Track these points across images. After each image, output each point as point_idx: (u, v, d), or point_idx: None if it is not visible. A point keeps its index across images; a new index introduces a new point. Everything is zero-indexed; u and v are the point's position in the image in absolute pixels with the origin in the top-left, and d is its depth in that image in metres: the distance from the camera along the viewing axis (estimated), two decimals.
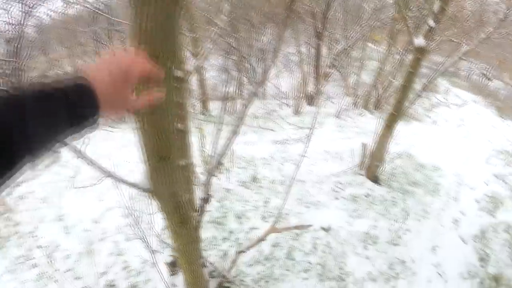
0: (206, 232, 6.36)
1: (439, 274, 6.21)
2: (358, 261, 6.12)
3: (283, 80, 17.50)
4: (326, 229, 6.75)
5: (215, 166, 3.28)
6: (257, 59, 18.68)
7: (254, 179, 8.55)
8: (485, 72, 23.05)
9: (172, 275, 5.34)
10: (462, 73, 24.10)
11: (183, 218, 3.00)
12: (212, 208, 7.15)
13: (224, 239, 6.45)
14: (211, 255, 5.96)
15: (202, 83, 14.86)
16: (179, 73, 3.13)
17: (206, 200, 3.69)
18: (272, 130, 12.07)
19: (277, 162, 9.73)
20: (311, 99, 14.95)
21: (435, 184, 9.10)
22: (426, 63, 10.96)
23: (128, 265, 5.85)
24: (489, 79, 23.19)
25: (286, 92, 15.57)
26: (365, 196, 7.85)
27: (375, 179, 8.42)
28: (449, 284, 6.07)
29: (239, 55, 17.58)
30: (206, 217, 6.51)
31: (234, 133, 3.23)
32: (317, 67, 16.32)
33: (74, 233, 6.70)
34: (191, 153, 3.68)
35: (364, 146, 8.51)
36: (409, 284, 5.83)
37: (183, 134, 3.80)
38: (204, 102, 15.14)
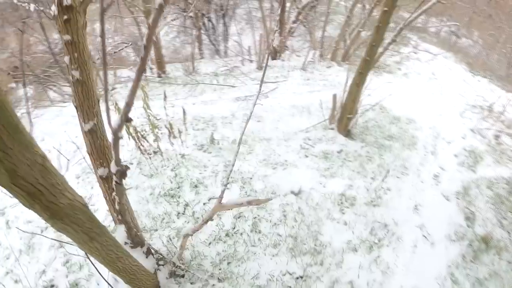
0: (158, 208, 5.41)
1: (425, 236, 5.38)
2: (335, 229, 5.18)
3: (245, 36, 16.20)
4: (296, 193, 5.76)
5: (120, 124, 2.14)
6: (216, 16, 17.35)
7: (213, 140, 7.41)
8: (454, 30, 22.45)
9: None
10: (431, 30, 23.29)
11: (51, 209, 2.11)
12: (165, 178, 6.07)
13: (179, 214, 5.36)
14: (162, 236, 4.92)
15: (156, 44, 13.41)
16: None
17: (121, 173, 2.55)
18: (233, 86, 10.90)
19: (239, 120, 8.59)
20: (275, 54, 13.75)
21: (411, 137, 8.20)
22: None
23: (69, 258, 4.71)
24: (458, 36, 22.60)
25: (249, 47, 14.26)
26: (338, 152, 6.88)
27: (348, 133, 7.44)
28: (437, 247, 5.25)
29: (197, 12, 16.26)
30: (157, 190, 5.71)
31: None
32: (281, 21, 15.09)
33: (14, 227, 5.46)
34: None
35: (334, 97, 7.46)
36: (394, 251, 4.95)
37: None
38: (159, 64, 13.74)
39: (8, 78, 14.78)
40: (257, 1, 15.16)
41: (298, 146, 7.12)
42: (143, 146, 6.70)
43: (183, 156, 6.85)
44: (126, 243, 3.65)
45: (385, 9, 5.95)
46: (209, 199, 5.61)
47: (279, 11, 14.93)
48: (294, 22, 15.94)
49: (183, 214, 5.33)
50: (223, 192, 3.61)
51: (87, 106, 3.15)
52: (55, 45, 15.35)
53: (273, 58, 13.72)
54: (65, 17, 2.67)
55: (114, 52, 16.57)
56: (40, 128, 9.44)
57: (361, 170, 6.49)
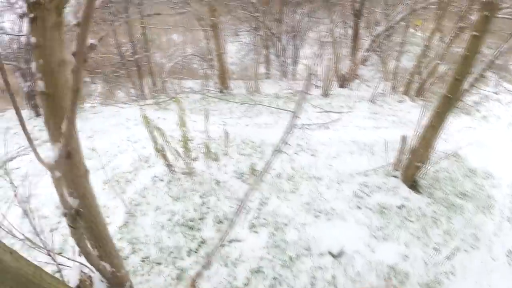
0: (170, 238, 4.74)
1: None
2: None
3: (315, 60, 15.13)
4: (335, 255, 4.54)
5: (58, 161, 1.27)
6: (287, 37, 16.45)
7: (254, 171, 6.41)
8: None
9: None
10: None
11: None
12: (190, 205, 5.38)
13: (190, 251, 4.53)
14: (163, 273, 4.11)
15: (221, 59, 12.73)
16: None
17: (72, 217, 2.27)
18: (292, 111, 9.81)
19: (291, 151, 7.53)
20: (343, 81, 12.56)
21: (487, 197, 6.60)
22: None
23: None
24: None
25: (315, 72, 13.16)
26: (398, 207, 5.55)
27: (413, 184, 6.08)
28: None
29: (267, 31, 15.49)
30: (176, 217, 5.11)
31: None
32: (354, 48, 13.95)
33: None
34: None
35: (403, 139, 6.14)
36: None
37: None
38: (222, 79, 13.03)
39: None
40: (330, 24, 14.03)
41: (351, 193, 5.90)
42: (171, 165, 6.15)
43: (217, 183, 6.08)
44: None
45: (475, 33, 4.63)
46: (230, 241, 4.61)
47: (352, 38, 13.83)
48: (367, 50, 14.71)
49: (195, 252, 4.53)
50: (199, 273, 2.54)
51: (53, 124, 2.34)
52: (125, 48, 15.53)
53: (341, 86, 12.54)
54: (31, 15, 2.06)
55: (176, 63, 16.13)
56: (92, 125, 9.39)
57: (422, 235, 5.11)
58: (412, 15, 12.53)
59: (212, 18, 11.78)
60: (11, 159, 8.21)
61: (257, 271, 4.25)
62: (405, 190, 5.94)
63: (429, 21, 12.05)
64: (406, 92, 11.24)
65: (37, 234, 3.04)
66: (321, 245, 4.71)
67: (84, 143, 8.64)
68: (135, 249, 4.51)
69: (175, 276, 4.11)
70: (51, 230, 4.88)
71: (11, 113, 11.83)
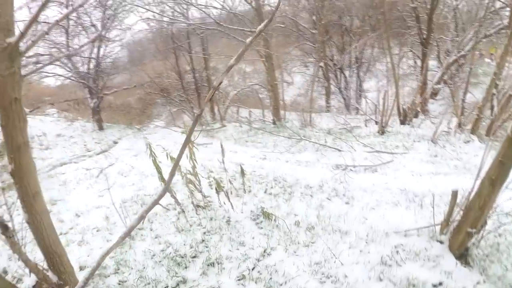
0: (154, 269, 4.48)
1: None
2: None
3: (380, 94, 13.77)
4: None
5: None
6: (350, 68, 15.30)
7: (268, 215, 5.53)
8: None
9: None
10: None
11: None
12: (189, 240, 5.09)
13: None
14: None
15: (274, 89, 11.97)
16: None
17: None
18: (339, 150, 8.67)
19: (323, 195, 6.42)
20: (405, 117, 11.07)
21: None
22: None
23: None
24: None
25: (375, 106, 11.80)
26: (434, 286, 4.16)
27: (462, 255, 4.60)
28: None
29: (327, 62, 14.48)
30: (170, 250, 4.88)
31: None
32: (422, 80, 12.45)
33: None
34: None
35: (454, 194, 4.70)
36: None
37: None
38: (275, 111, 12.23)
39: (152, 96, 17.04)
40: (396, 54, 12.65)
41: (378, 258, 4.61)
42: (175, 197, 5.82)
43: (228, 221, 5.62)
44: None
45: None
46: None
47: (420, 69, 12.37)
48: (437, 82, 13.09)
49: None
50: None
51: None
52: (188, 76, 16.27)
53: (402, 122, 11.07)
54: None
55: (239, 91, 15.68)
56: (141, 145, 9.75)
57: None
58: (483, 42, 10.89)
59: (264, 49, 11.12)
60: (61, 165, 8.73)
61: None
62: (450, 261, 4.50)
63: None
64: (474, 131, 9.44)
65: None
66: None
67: (129, 160, 8.58)
68: (118, 270, 4.41)
69: None
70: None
71: (78, 124, 12.64)
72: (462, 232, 4.46)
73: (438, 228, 4.99)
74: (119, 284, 4.14)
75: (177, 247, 4.85)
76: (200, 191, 6.14)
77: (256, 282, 4.22)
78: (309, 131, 10.79)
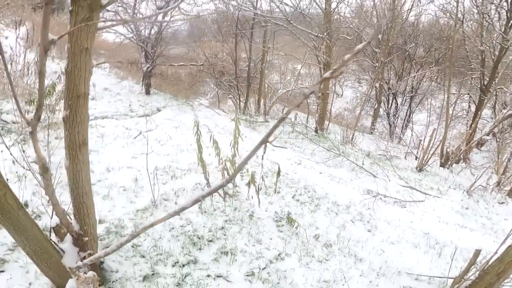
0: (168, 243, 4.45)
1: None
2: None
3: (425, 127, 13.53)
4: None
5: None
6: (404, 96, 15.06)
7: (291, 221, 5.60)
8: None
9: None
10: None
11: None
12: (210, 224, 5.03)
13: (176, 264, 4.15)
14: (134, 268, 3.93)
15: (324, 97, 11.97)
16: None
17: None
18: (374, 176, 8.66)
19: (348, 216, 6.49)
20: (446, 160, 10.89)
21: None
22: None
23: None
24: None
25: (419, 141, 11.62)
26: None
27: None
28: None
29: (383, 85, 14.31)
30: (188, 228, 4.82)
31: None
32: (471, 127, 12.15)
33: None
34: None
35: (476, 253, 4.71)
36: None
37: None
38: (320, 120, 12.24)
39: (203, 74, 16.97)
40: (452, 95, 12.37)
41: None
42: (208, 179, 5.89)
43: (251, 216, 5.56)
44: None
45: None
46: None
47: (473, 115, 12.07)
48: (487, 133, 12.73)
49: (180, 266, 4.10)
50: None
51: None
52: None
53: (442, 165, 10.89)
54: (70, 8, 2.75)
55: (289, 91, 15.69)
56: (186, 118, 9.79)
57: None
58: None
59: (325, 56, 11.11)
60: (102, 118, 8.70)
61: None
62: None
63: None
64: (511, 194, 9.21)
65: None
66: None
67: (168, 130, 8.74)
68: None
69: (144, 276, 3.81)
70: None
71: (127, 83, 12.61)
72: None
73: (450, 281, 4.99)
74: (133, 247, 4.16)
75: (196, 227, 4.81)
76: (232, 180, 6.20)
77: (263, 283, 4.26)
78: (349, 149, 10.78)
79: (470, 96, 16.33)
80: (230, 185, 6.17)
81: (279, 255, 4.90)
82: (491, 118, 13.53)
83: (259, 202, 5.90)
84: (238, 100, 15.76)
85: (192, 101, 13.23)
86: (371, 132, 14.64)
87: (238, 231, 5.07)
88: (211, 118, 11.30)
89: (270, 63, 18.93)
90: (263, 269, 4.49)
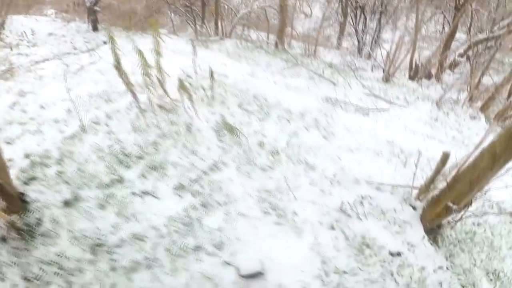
0: (93, 165, 3.91)
1: None
2: None
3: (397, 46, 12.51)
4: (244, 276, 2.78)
5: None
6: (372, 12, 13.78)
7: (231, 129, 4.61)
8: None
9: None
10: None
11: None
12: (140, 140, 4.34)
13: (100, 185, 3.65)
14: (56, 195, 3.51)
15: (283, 10, 10.70)
16: None
17: None
18: (334, 83, 7.66)
19: (302, 123, 5.55)
20: (416, 73, 9.94)
21: None
22: None
23: None
24: None
25: (387, 54, 10.55)
26: (391, 254, 3.38)
27: (433, 230, 3.81)
28: None
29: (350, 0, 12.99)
30: (117, 146, 4.21)
31: None
32: (445, 47, 11.18)
33: None
34: None
35: (444, 157, 3.78)
36: None
37: None
38: (280, 35, 11.01)
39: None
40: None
41: (338, 203, 3.82)
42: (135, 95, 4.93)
43: (189, 128, 4.70)
44: None
45: None
46: None
47: (447, 36, 11.07)
48: (460, 55, 11.79)
49: (105, 186, 3.61)
50: None
51: None
52: None
53: (411, 78, 9.97)
54: None
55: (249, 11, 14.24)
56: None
57: None
58: None
59: None
60: (44, 61, 8.02)
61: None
62: (417, 232, 3.71)
63: None
64: (483, 109, 8.34)
65: None
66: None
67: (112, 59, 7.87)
68: (60, 161, 3.85)
69: (64, 202, 3.36)
70: None
71: (74, 24, 11.88)
72: (441, 204, 3.64)
73: (415, 192, 4.14)
74: (57, 174, 3.66)
75: (125, 145, 4.16)
76: (164, 90, 5.18)
77: (193, 196, 3.63)
78: (310, 61, 9.67)
79: (445, 16, 15.23)
80: (166, 98, 5.20)
81: (214, 165, 4.11)
82: (467, 41, 12.52)
83: (196, 112, 4.95)
84: (195, 25, 14.41)
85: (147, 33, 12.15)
86: (338, 48, 13.48)
87: (173, 145, 4.32)
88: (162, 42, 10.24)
89: None
90: (194, 181, 3.81)
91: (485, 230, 4.40)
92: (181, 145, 4.32)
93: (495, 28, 11.10)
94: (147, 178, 3.73)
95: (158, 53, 4.75)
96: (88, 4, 11.12)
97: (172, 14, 16.93)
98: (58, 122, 4.79)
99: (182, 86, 4.82)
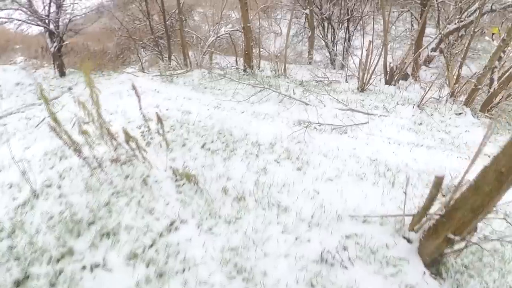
0: (44, 236, 3.44)
1: None
2: None
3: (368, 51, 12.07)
4: None
5: None
6: (340, 20, 13.39)
7: (189, 177, 4.09)
8: None
9: None
10: None
11: None
12: (93, 201, 3.86)
13: (50, 260, 3.17)
14: None
15: (246, 32, 10.25)
16: None
17: None
18: (306, 103, 7.14)
19: (272, 156, 5.05)
20: (391, 77, 9.45)
21: None
22: None
23: None
24: None
25: (359, 61, 10.06)
26: None
27: (435, 261, 3.17)
28: None
29: (312, 10, 12.58)
30: (66, 213, 3.72)
31: None
32: (417, 45, 10.78)
33: None
34: None
35: (437, 182, 3.14)
36: None
37: None
38: (247, 57, 10.52)
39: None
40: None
41: (318, 252, 3.21)
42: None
43: (145, 181, 4.18)
44: None
45: None
46: None
47: (417, 32, 10.65)
48: (433, 50, 11.39)
49: (56, 261, 3.14)
50: None
51: None
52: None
53: (388, 82, 9.48)
54: None
55: (219, 37, 13.88)
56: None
57: None
58: (487, 16, 9.23)
59: None
60: (7, 115, 7.96)
61: None
62: (416, 269, 3.08)
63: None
64: (468, 103, 7.78)
65: None
66: None
67: (74, 107, 7.61)
68: (12, 233, 3.46)
69: (15, 282, 2.93)
70: None
71: (42, 71, 11.61)
72: (440, 236, 3.04)
73: (408, 220, 3.53)
74: (8, 249, 3.31)
75: (75, 210, 3.70)
76: (113, 142, 4.63)
77: (147, 265, 3.10)
78: (280, 81, 9.15)
79: (412, 14, 14.94)
80: (122, 150, 4.67)
81: (171, 224, 3.57)
82: (439, 34, 12.16)
83: (149, 162, 4.44)
84: (162, 59, 14.11)
85: (117, 72, 11.77)
86: (309, 63, 13.02)
87: (127, 203, 3.81)
88: (127, 82, 9.87)
89: (192, 9, 17.03)
90: (150, 246, 3.30)
91: (494, 245, 3.76)
92: (135, 203, 3.79)
93: (464, 16, 10.79)
94: (98, 247, 3.26)
95: (97, 104, 4.21)
96: (52, 50, 10.83)
97: (142, 50, 16.60)
98: (12, 187, 4.40)
99: (128, 138, 4.28)
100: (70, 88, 9.91)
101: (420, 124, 6.82)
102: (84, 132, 4.14)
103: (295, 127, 5.96)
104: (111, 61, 14.45)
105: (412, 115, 7.11)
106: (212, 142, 5.38)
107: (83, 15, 12.41)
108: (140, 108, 4.60)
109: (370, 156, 5.23)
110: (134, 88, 4.43)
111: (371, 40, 9.01)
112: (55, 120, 4.02)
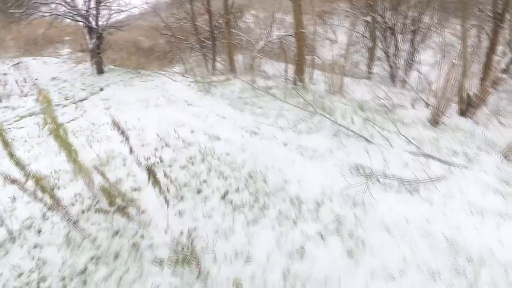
0: None
1: None
2: None
3: (436, 69, 10.30)
4: None
5: None
6: (403, 31, 11.74)
7: (186, 261, 2.90)
8: None
9: None
10: None
11: None
12: (68, 264, 3.18)
13: None
14: None
15: (300, 38, 8.99)
16: None
17: None
18: (368, 140, 5.73)
19: (316, 226, 3.74)
20: (467, 106, 7.77)
21: None
22: None
23: None
24: None
25: (430, 85, 8.46)
26: None
27: None
28: None
29: (376, 18, 11.02)
30: (34, 275, 3.12)
31: None
32: (486, 64, 9.00)
33: None
34: None
35: None
36: None
37: None
38: (298, 67, 9.23)
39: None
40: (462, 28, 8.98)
41: None
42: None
43: (135, 245, 3.38)
44: None
45: None
46: None
47: (487, 50, 8.91)
48: (504, 71, 9.60)
49: None
50: None
51: None
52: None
53: (462, 113, 7.82)
54: None
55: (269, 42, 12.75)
56: (120, 93, 8.76)
57: None
58: None
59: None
60: (29, 115, 7.65)
61: None
62: None
63: None
64: None
65: None
66: None
67: (97, 114, 7.27)
68: None
69: None
70: None
71: (82, 66, 11.52)
72: None
73: None
74: None
75: (46, 273, 3.08)
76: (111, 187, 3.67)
77: None
78: (335, 101, 7.76)
79: (483, 28, 12.99)
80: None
81: None
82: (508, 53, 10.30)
83: (148, 222, 3.43)
84: (206, 61, 13.50)
85: (160, 71, 11.16)
86: (368, 78, 11.52)
87: (105, 278, 2.99)
88: (161, 87, 9.01)
89: (240, 9, 16.08)
90: None
91: None
92: (116, 279, 2.97)
93: None
94: None
95: (69, 149, 3.22)
96: (90, 46, 10.58)
97: (190, 51, 16.09)
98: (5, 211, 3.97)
99: (153, 177, 3.20)
100: (101, 89, 9.17)
101: (507, 183, 5.16)
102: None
103: (352, 178, 4.60)
104: (158, 59, 14.30)
105: (496, 167, 5.48)
106: (237, 191, 4.19)
107: (129, 12, 11.97)
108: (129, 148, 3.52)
109: (447, 234, 3.79)
110: (114, 123, 3.35)
111: (452, 61, 7.38)
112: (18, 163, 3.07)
